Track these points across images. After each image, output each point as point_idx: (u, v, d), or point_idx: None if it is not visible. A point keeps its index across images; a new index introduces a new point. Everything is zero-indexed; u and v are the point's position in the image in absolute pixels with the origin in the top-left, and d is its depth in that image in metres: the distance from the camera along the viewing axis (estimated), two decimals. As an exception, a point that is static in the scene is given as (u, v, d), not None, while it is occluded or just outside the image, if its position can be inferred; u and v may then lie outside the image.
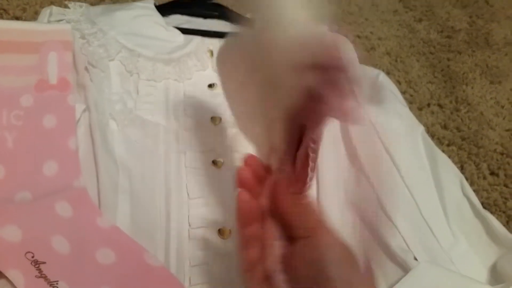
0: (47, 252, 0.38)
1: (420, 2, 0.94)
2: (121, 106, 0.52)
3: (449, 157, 0.59)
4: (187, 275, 0.42)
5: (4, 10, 0.69)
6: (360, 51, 0.83)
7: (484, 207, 0.52)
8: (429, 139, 0.56)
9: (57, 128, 0.47)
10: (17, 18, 0.68)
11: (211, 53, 0.60)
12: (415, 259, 0.46)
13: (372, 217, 0.49)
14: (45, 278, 0.37)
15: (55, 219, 0.41)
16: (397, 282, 0.43)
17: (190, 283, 0.42)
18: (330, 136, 0.55)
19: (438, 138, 0.67)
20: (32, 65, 0.50)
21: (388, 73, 0.73)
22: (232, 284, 0.42)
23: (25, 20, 0.68)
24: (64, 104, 0.49)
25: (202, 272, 0.42)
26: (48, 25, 0.55)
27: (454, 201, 0.51)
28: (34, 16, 0.68)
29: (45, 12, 0.59)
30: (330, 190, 0.51)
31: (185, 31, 0.62)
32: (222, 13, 0.69)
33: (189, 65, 0.58)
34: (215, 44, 0.60)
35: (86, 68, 0.53)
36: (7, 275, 0.36)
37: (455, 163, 0.62)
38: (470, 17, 0.93)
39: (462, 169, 0.63)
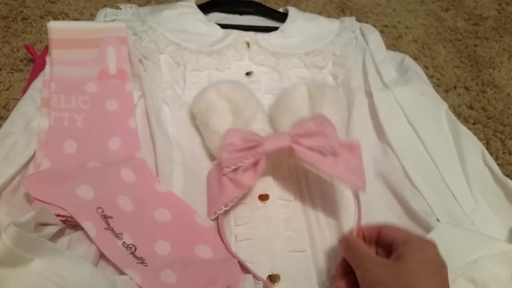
0: (114, 208, 0.45)
1: (447, -8, 0.96)
2: (171, 93, 0.59)
3: (475, 134, 0.60)
4: (233, 232, 0.48)
5: (65, 13, 0.77)
6: (387, 39, 0.86)
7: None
8: (451, 115, 0.59)
9: (118, 111, 0.54)
10: (76, 20, 0.76)
11: (248, 44, 0.66)
12: (438, 220, 0.48)
13: (398, 184, 0.53)
14: (112, 230, 0.44)
15: (121, 182, 0.47)
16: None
17: (236, 239, 0.48)
18: (359, 114, 0.60)
19: (464, 117, 0.68)
20: (94, 58, 0.57)
21: (415, 59, 0.75)
22: (271, 240, 0.47)
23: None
24: (123, 91, 0.56)
25: (246, 231, 0.48)
26: (105, 24, 0.63)
27: (476, 170, 0.54)
28: (90, 18, 0.76)
29: (101, 13, 0.67)
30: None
31: (223, 26, 0.68)
32: (256, 9, 0.76)
33: (228, 56, 0.65)
34: (251, 36, 0.67)
35: (140, 60, 0.61)
36: (82, 225, 0.43)
37: (481, 139, 0.63)
38: (499, 4, 0.94)
39: (487, 145, 0.64)
